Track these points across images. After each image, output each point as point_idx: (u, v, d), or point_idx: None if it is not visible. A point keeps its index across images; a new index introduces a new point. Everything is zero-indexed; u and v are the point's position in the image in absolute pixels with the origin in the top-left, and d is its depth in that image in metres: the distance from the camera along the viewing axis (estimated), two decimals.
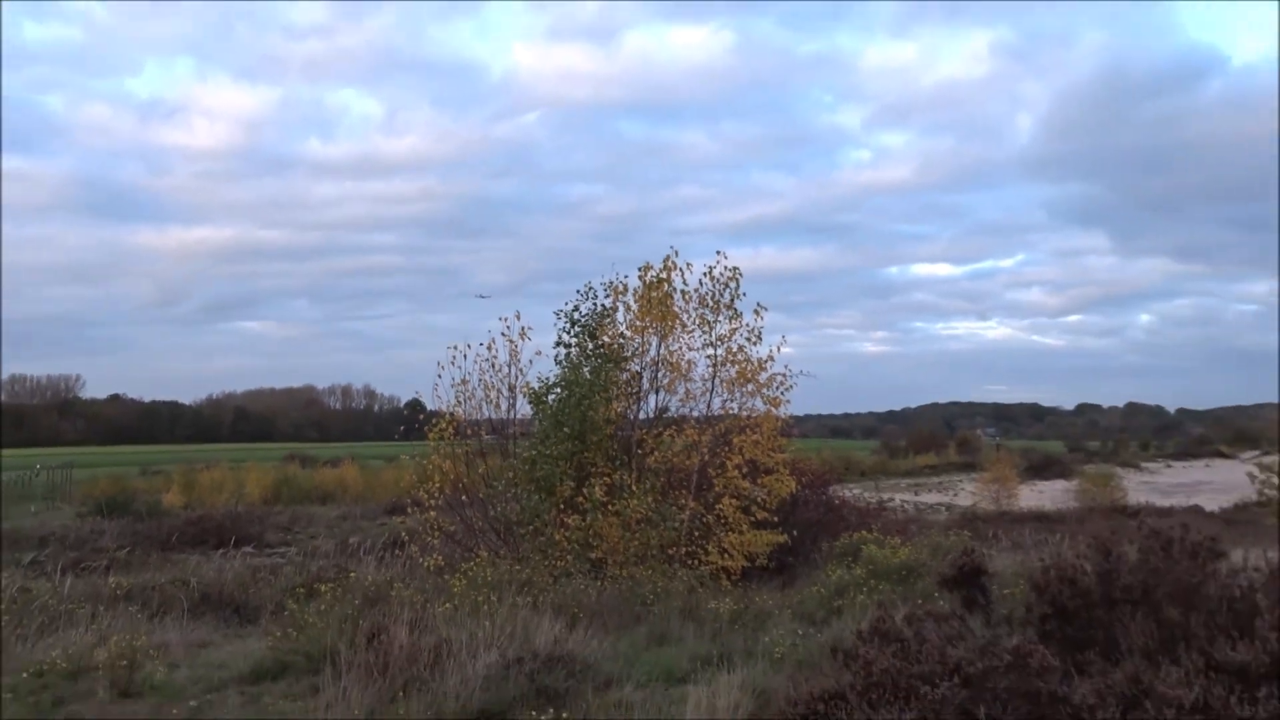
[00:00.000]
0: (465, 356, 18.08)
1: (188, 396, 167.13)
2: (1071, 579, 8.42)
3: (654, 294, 18.18)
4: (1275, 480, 44.77)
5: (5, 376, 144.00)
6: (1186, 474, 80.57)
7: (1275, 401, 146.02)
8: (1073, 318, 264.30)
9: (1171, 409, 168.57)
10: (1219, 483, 65.95)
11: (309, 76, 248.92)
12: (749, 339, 18.15)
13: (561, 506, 16.81)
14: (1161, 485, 67.02)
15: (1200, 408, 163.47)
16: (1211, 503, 48.67)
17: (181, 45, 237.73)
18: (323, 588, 12.41)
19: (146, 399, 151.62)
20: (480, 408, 18.34)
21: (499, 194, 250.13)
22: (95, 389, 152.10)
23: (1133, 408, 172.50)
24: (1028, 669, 7.12)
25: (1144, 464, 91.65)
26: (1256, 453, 79.65)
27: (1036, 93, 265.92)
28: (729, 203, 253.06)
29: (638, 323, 18.45)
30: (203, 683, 9.51)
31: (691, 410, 18.58)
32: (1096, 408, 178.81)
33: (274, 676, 9.62)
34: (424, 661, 8.64)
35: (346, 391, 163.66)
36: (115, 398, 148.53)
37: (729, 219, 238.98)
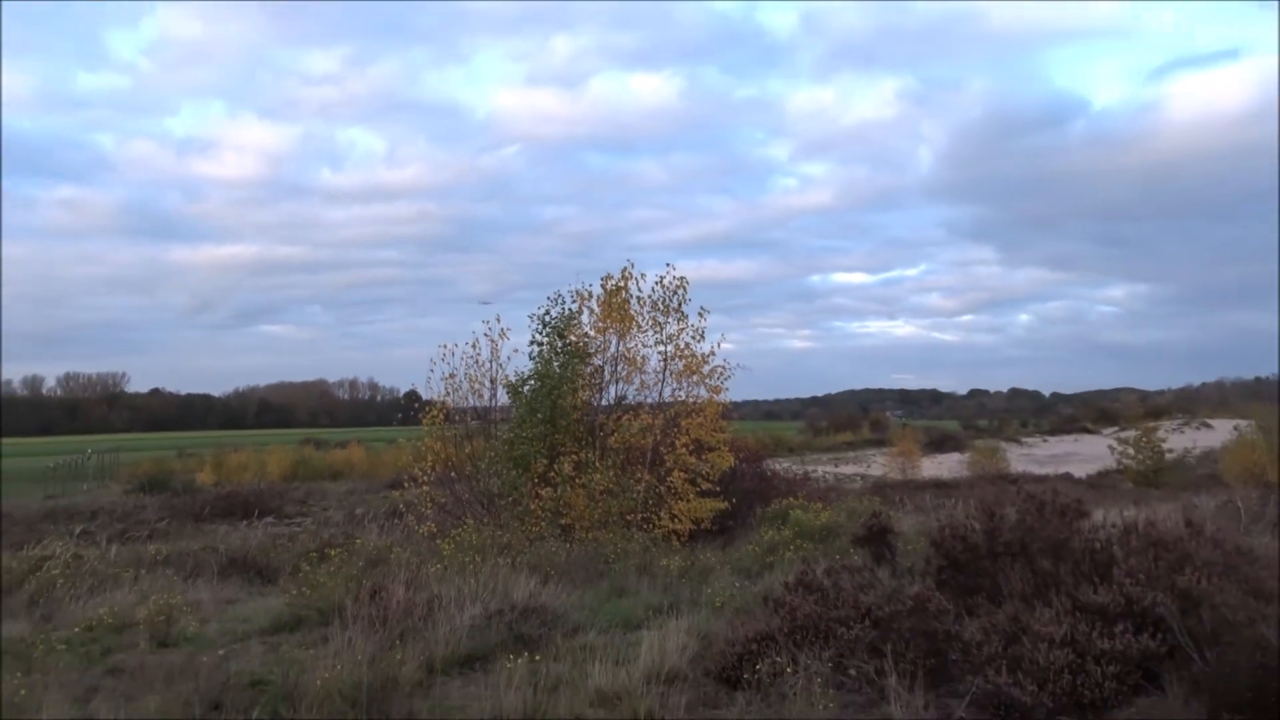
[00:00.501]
0: (454, 354, 17.98)
1: (218, 390, 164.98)
2: (963, 536, 8.49)
3: (614, 300, 18.14)
4: (1131, 451, 45.35)
5: (61, 374, 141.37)
6: (1059, 447, 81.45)
7: (1131, 387, 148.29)
8: (965, 317, 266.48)
9: (1047, 393, 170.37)
10: (1085, 454, 66.70)
11: (323, 116, 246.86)
12: (694, 337, 18.15)
13: (536, 481, 16.73)
14: (1038, 457, 67.70)
15: (1070, 392, 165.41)
16: (1079, 471, 49.21)
17: (214, 90, 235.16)
18: (332, 552, 12.29)
19: (183, 393, 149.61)
20: (466, 397, 18.23)
21: (483, 216, 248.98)
22: (138, 384, 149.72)
23: (1015, 392, 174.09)
24: (926, 612, 7.16)
25: (1024, 439, 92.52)
26: (1116, 429, 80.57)
27: (935, 130, 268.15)
28: (678, 222, 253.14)
29: (600, 324, 18.40)
30: (229, 634, 9.39)
31: (646, 398, 18.55)
32: (985, 392, 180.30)
33: (290, 628, 9.51)
34: (418, 614, 8.57)
35: (353, 384, 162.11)
36: (155, 392, 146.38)
37: (678, 236, 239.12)
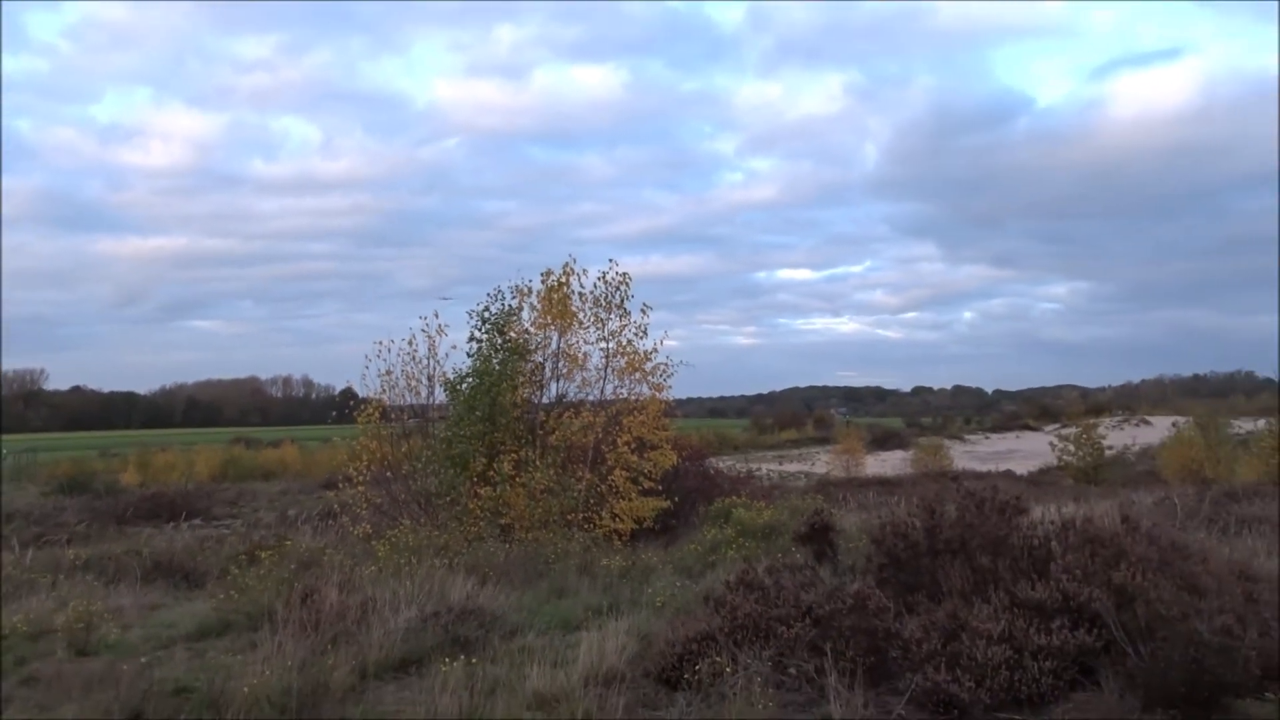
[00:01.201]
0: (390, 351, 17.81)
1: (143, 388, 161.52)
2: (903, 534, 8.61)
3: (555, 295, 18.10)
4: (1072, 448, 46.31)
5: None
6: (1002, 444, 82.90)
7: (1073, 384, 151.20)
8: (909, 314, 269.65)
9: (989, 390, 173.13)
10: (1027, 451, 67.92)
11: (255, 105, 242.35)
12: (637, 334, 18.18)
13: (474, 480, 16.65)
14: (981, 454, 68.84)
15: (1013, 389, 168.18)
16: (1021, 467, 50.12)
17: (140, 76, 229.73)
18: (263, 554, 12.12)
19: (106, 390, 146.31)
20: (404, 395, 18.09)
21: (422, 208, 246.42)
22: (58, 381, 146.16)
23: (958, 389, 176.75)
24: (866, 610, 7.26)
25: (967, 436, 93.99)
26: (1057, 426, 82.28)
27: (880, 126, 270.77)
28: (622, 217, 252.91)
29: (540, 320, 18.35)
30: (153, 640, 9.22)
31: (587, 395, 18.54)
32: (929, 389, 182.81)
33: (218, 634, 9.37)
34: (352, 617, 8.49)
35: (287, 381, 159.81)
36: (77, 389, 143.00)
37: (622, 231, 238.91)
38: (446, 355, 18.12)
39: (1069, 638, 6.93)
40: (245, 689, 6.70)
